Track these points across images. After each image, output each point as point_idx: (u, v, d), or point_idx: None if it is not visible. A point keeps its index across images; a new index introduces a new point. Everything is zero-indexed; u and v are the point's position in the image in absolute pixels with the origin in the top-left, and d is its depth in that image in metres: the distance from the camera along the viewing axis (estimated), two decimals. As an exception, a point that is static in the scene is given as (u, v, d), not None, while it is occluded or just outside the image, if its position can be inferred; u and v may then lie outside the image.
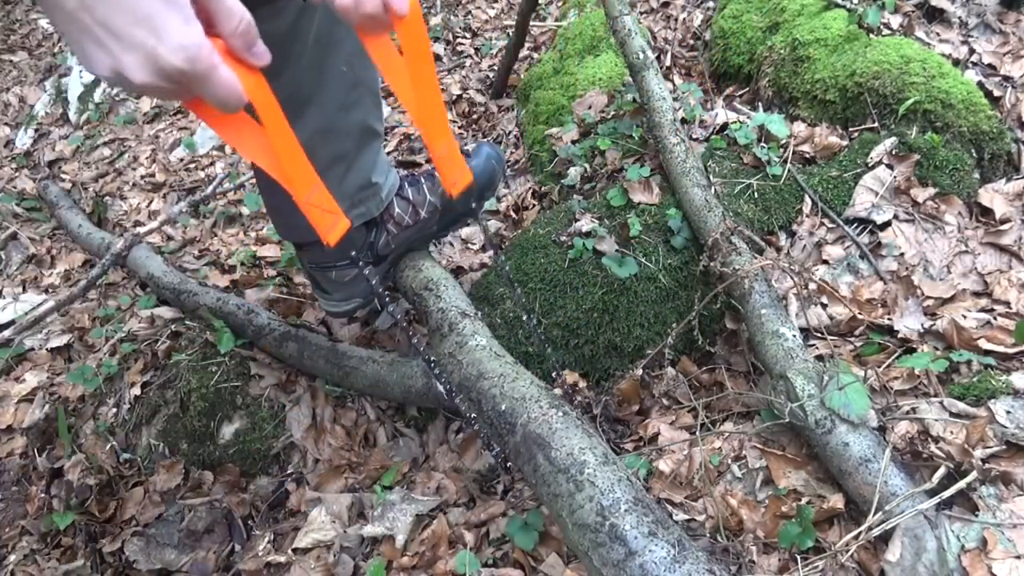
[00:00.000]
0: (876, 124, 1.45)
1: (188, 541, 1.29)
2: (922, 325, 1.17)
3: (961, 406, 0.96)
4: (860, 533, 0.83)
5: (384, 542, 1.17)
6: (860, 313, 1.22)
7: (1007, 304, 1.18)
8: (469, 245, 1.81)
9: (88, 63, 0.53)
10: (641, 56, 1.53)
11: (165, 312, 1.66)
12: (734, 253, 1.22)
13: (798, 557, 0.90)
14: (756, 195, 1.40)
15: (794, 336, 1.09)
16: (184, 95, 0.56)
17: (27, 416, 1.53)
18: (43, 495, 1.38)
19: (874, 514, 0.84)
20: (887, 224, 1.33)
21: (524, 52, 2.45)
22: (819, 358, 1.14)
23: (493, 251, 1.51)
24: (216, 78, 0.53)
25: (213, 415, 1.38)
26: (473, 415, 1.04)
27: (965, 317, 1.14)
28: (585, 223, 1.39)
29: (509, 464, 1.12)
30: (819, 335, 1.19)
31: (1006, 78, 1.55)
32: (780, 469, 1.02)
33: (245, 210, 2.23)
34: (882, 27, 1.57)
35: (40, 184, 2.54)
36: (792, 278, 1.20)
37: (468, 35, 2.91)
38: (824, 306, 1.26)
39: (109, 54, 0.51)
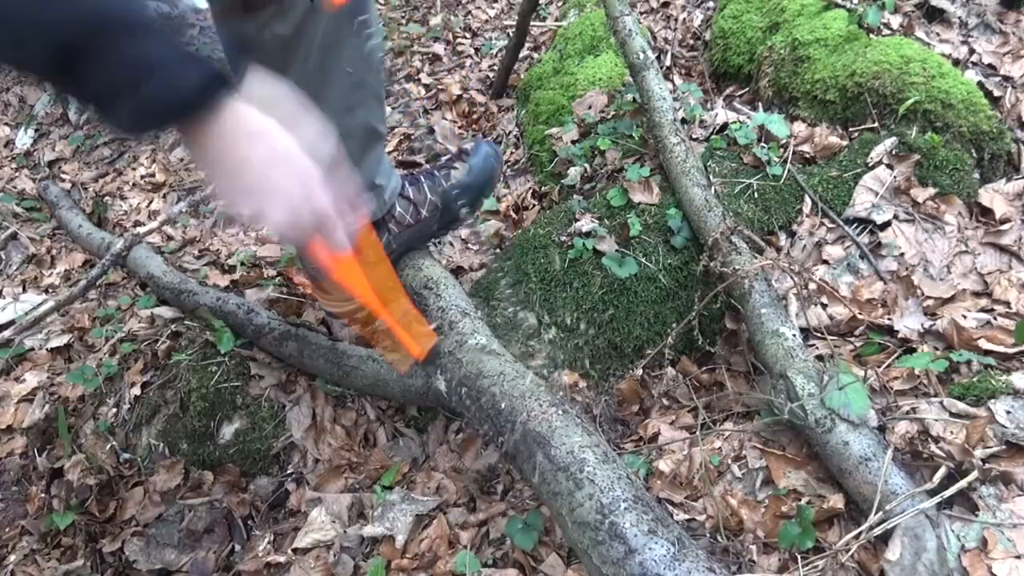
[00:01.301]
0: (876, 124, 1.45)
1: (188, 541, 1.29)
2: (922, 325, 1.17)
3: (961, 406, 0.96)
4: (860, 533, 0.83)
5: (384, 542, 1.17)
6: (860, 313, 1.22)
7: (1007, 304, 1.18)
8: (469, 245, 1.81)
9: (233, 205, 0.67)
10: (641, 56, 1.53)
11: (165, 312, 1.66)
12: (734, 253, 1.22)
13: (798, 557, 0.90)
14: (756, 195, 1.40)
15: (794, 336, 1.09)
16: (305, 238, 0.71)
17: (27, 416, 1.53)
18: (43, 495, 1.38)
19: (875, 514, 0.84)
20: (887, 224, 1.33)
21: (524, 52, 2.45)
22: (819, 358, 1.14)
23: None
24: (337, 230, 0.70)
25: (213, 415, 1.38)
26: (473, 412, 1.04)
27: (965, 317, 1.14)
28: (585, 223, 1.39)
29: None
30: (819, 335, 1.19)
31: (1006, 78, 1.55)
32: (780, 469, 1.02)
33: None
34: (882, 27, 1.57)
35: (40, 184, 2.54)
36: (792, 278, 1.20)
37: (468, 35, 2.91)
38: (824, 306, 1.26)
39: (258, 203, 0.66)
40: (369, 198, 1.24)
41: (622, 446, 1.22)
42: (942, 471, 0.87)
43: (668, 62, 2.02)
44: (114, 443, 1.42)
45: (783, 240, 1.40)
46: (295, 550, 1.19)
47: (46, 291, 2.03)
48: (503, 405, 0.95)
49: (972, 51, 1.61)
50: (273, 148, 0.65)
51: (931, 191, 1.35)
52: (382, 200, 1.25)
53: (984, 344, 1.08)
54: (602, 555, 0.75)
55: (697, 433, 1.13)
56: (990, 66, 1.57)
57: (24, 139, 2.98)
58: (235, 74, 0.67)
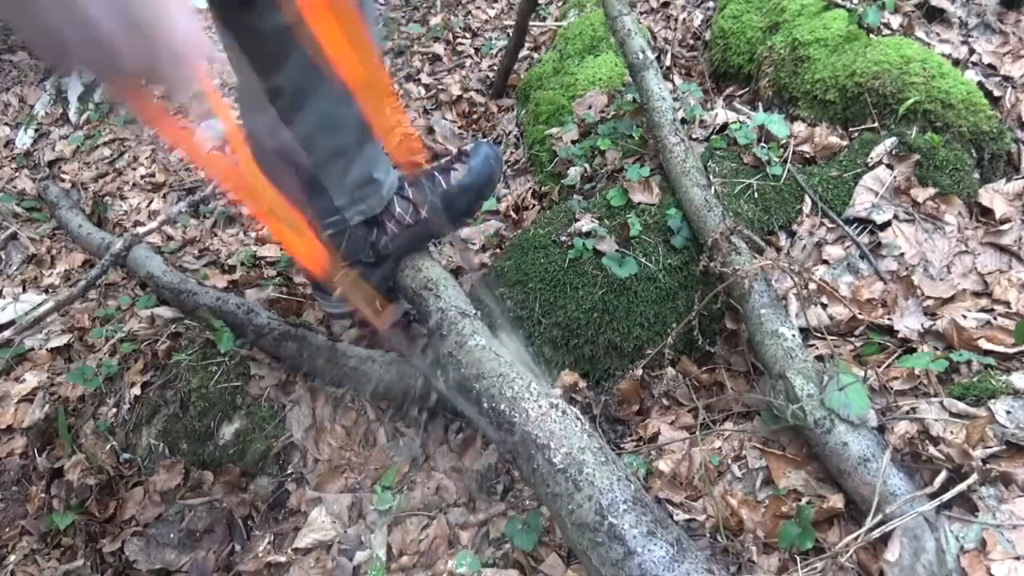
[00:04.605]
0: (876, 124, 1.45)
1: (188, 541, 1.29)
2: (922, 325, 1.17)
3: (961, 406, 0.96)
4: (859, 535, 0.83)
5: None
6: (860, 313, 1.22)
7: (1007, 304, 1.18)
8: (469, 245, 1.81)
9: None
10: (641, 56, 1.53)
11: (165, 312, 1.66)
12: (734, 253, 1.22)
13: (798, 557, 0.90)
14: (756, 195, 1.40)
15: (793, 336, 1.09)
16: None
17: (27, 416, 1.53)
18: (43, 495, 1.38)
19: (874, 515, 0.84)
20: (887, 224, 1.33)
21: (524, 52, 2.45)
22: (819, 358, 1.14)
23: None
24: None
25: (213, 415, 1.38)
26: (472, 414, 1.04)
27: (965, 317, 1.14)
28: (585, 223, 1.39)
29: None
30: (819, 335, 1.19)
31: (1006, 78, 1.54)
32: (780, 469, 1.02)
33: (245, 210, 2.23)
34: (882, 27, 1.57)
35: (40, 184, 2.54)
36: (792, 278, 1.20)
37: (468, 35, 2.91)
38: (824, 306, 1.26)
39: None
40: (367, 193, 1.23)
41: (622, 446, 1.22)
42: (942, 475, 0.87)
43: (668, 62, 2.02)
44: (114, 443, 1.42)
45: (783, 240, 1.40)
46: (295, 550, 1.19)
47: (46, 291, 2.03)
48: (502, 407, 0.95)
49: (972, 51, 1.61)
50: None
51: (931, 191, 1.34)
52: (380, 195, 1.25)
53: (984, 344, 1.08)
54: (601, 556, 0.75)
55: (697, 433, 1.13)
56: (990, 66, 1.57)
57: (24, 139, 2.98)
58: None
